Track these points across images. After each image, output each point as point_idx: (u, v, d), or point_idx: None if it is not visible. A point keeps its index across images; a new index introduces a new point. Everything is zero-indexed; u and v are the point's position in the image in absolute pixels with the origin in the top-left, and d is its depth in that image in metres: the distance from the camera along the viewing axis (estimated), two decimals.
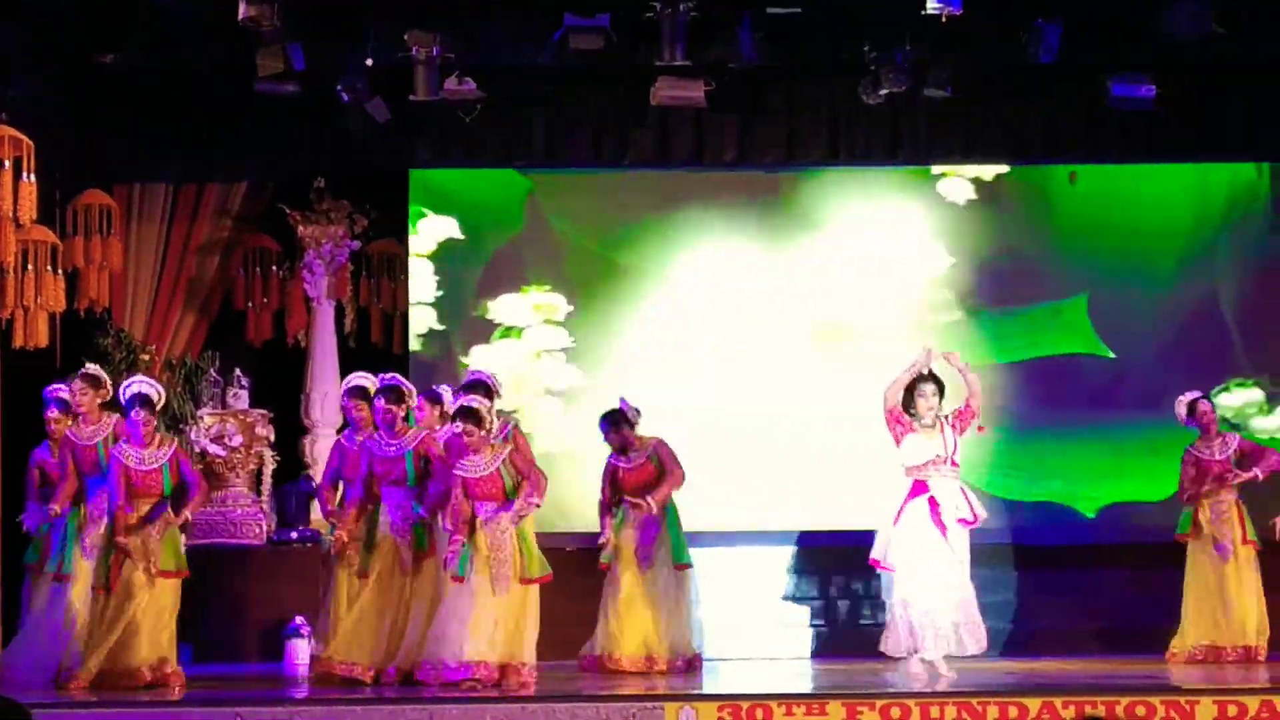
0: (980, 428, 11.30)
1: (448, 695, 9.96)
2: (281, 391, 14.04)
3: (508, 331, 14.17)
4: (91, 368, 11.86)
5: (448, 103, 13.03)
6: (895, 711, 9.54)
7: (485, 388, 11.39)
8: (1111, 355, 14.22)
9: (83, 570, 11.21)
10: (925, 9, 11.99)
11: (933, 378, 11.05)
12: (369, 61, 12.79)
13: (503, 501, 10.66)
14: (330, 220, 14.40)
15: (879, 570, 11.27)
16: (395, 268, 14.61)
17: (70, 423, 11.48)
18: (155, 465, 10.81)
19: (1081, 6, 12.72)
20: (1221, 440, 12.62)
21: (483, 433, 10.69)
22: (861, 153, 13.94)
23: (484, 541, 10.60)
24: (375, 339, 14.64)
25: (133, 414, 10.83)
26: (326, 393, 13.98)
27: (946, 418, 11.00)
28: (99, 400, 11.52)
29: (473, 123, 13.39)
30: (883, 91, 13.12)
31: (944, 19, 12.03)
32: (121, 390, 11.04)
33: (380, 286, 14.69)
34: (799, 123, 13.84)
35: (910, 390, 11.01)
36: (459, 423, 10.74)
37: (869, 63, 13.02)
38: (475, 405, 10.73)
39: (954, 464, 10.96)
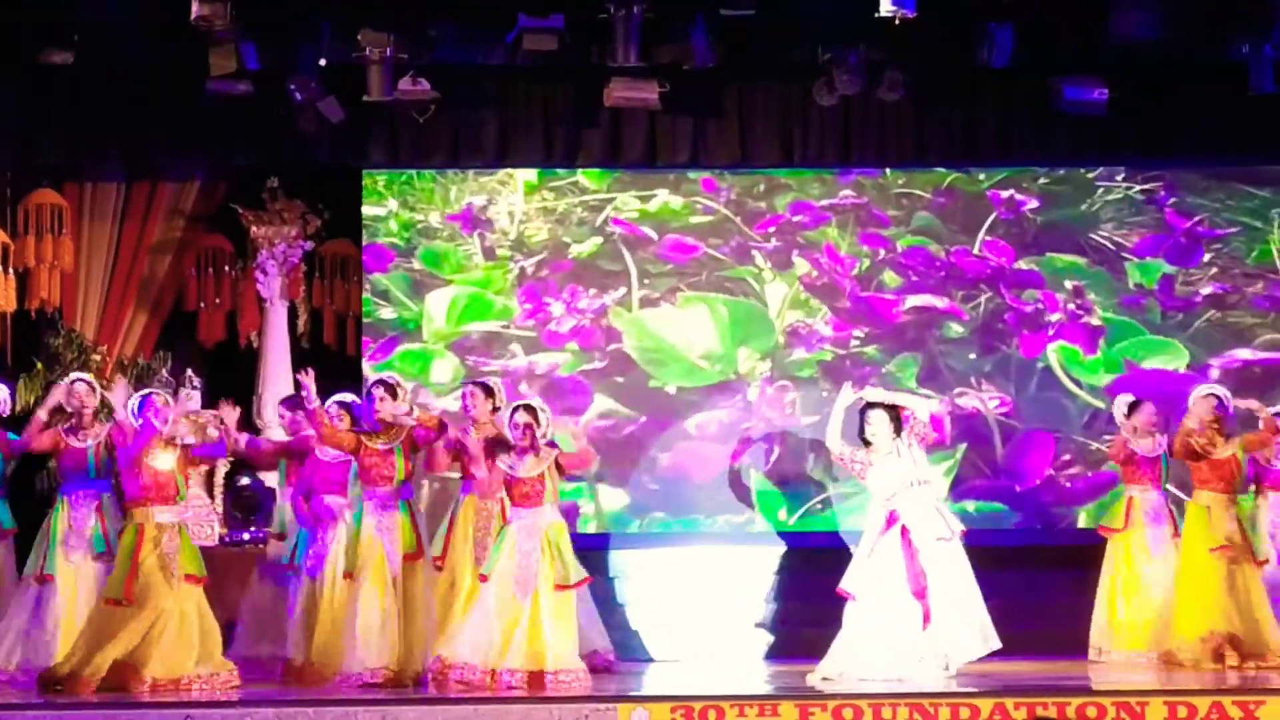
0: (934, 436, 11.25)
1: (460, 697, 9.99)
2: (234, 392, 13.95)
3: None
4: (88, 375, 11.98)
5: (401, 103, 13.03)
6: (848, 713, 9.56)
7: (487, 389, 11.49)
8: None
9: (65, 572, 11.25)
10: (878, 12, 12.04)
11: (876, 405, 10.99)
12: (322, 61, 12.78)
13: (540, 506, 10.69)
14: (283, 220, 14.36)
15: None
16: (349, 268, 14.57)
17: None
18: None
19: (1033, 10, 12.76)
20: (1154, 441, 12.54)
21: (540, 433, 10.71)
22: (814, 155, 13.98)
23: (513, 544, 10.64)
24: (328, 340, 14.60)
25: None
26: (279, 393, 13.91)
27: (902, 439, 10.92)
28: (94, 406, 11.59)
29: (426, 123, 13.38)
30: (837, 94, 13.16)
31: (897, 22, 12.08)
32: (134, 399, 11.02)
33: (334, 287, 14.65)
34: (752, 125, 13.86)
35: (861, 425, 10.98)
36: (518, 417, 10.76)
37: (822, 65, 13.06)
38: (535, 404, 10.85)
39: (924, 482, 10.91)
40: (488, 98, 13.67)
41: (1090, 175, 14.53)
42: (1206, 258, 14.50)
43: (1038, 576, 13.60)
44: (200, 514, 13.29)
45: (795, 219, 14.59)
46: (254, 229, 14.34)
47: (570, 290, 14.43)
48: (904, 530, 10.73)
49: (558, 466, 10.79)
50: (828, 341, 14.48)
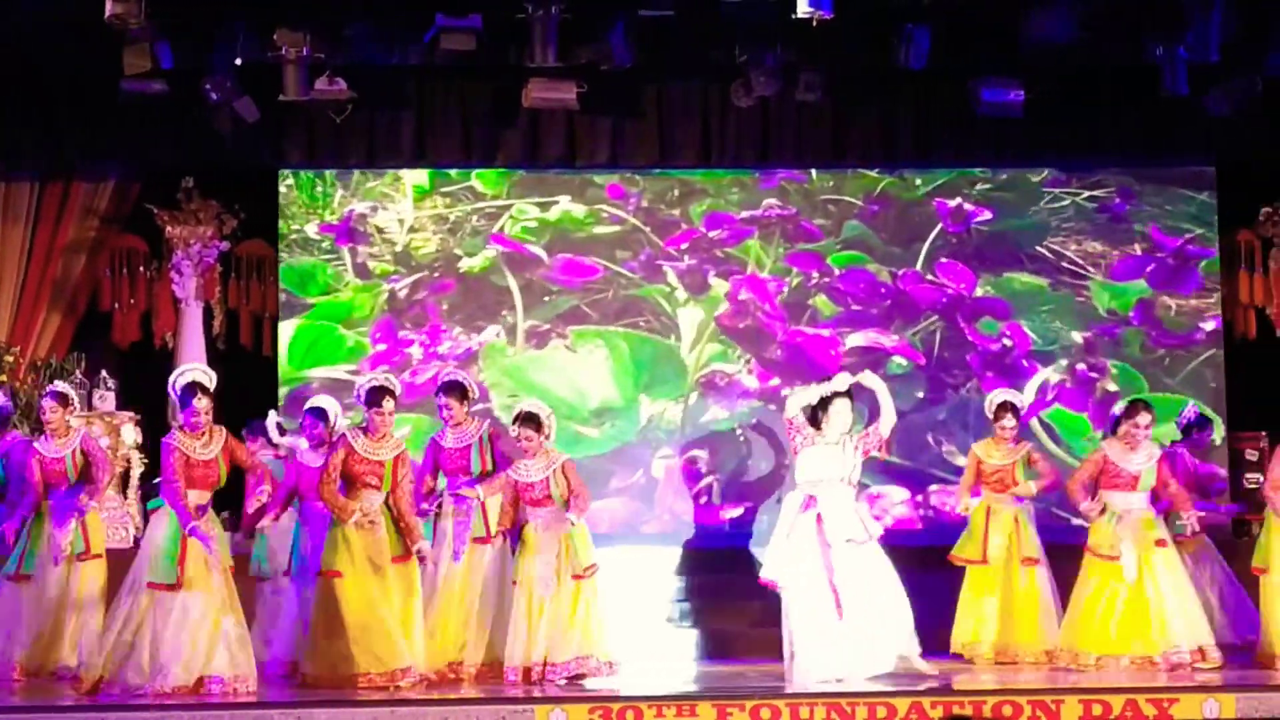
0: (884, 454, 11.25)
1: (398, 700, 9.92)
2: (148, 393, 13.87)
3: None
4: (60, 385, 11.93)
5: (318, 102, 12.98)
6: (765, 712, 9.55)
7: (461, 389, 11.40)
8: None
9: (50, 573, 11.35)
10: (796, 13, 12.04)
11: (849, 395, 10.83)
12: (238, 60, 12.70)
13: (553, 506, 10.85)
14: (199, 220, 14.26)
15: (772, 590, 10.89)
16: (264, 269, 14.49)
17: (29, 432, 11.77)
18: (211, 455, 10.50)
19: (951, 12, 12.81)
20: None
21: (541, 438, 10.89)
22: (733, 155, 14.01)
23: (535, 545, 10.80)
24: (244, 341, 14.51)
25: (192, 403, 10.49)
26: None
27: (850, 437, 10.82)
28: (68, 415, 11.60)
29: (343, 123, 13.33)
30: (754, 95, 13.18)
31: (815, 23, 12.08)
32: (172, 382, 10.72)
33: (249, 288, 14.55)
34: (670, 125, 13.89)
35: (824, 405, 10.80)
36: (516, 427, 10.95)
37: (740, 66, 13.07)
38: (536, 410, 10.98)
39: (851, 484, 10.81)
40: (405, 98, 13.65)
41: (1035, 179, 14.53)
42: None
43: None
44: (114, 515, 13.18)
45: (713, 234, 14.42)
46: (169, 229, 14.25)
47: (431, 330, 14.04)
48: (819, 518, 10.68)
49: (565, 475, 10.92)
50: (752, 395, 14.21)
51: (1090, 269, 14.52)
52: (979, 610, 11.93)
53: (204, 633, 10.17)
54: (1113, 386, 14.37)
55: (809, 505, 10.73)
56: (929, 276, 14.43)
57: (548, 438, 10.97)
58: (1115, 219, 14.54)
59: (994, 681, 10.89)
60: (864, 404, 11.15)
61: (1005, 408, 12.06)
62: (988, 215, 14.47)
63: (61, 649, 11.36)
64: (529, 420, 10.93)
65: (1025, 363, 14.41)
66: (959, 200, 14.49)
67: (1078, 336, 14.41)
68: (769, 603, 11.04)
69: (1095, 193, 14.57)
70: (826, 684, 10.24)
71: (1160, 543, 11.31)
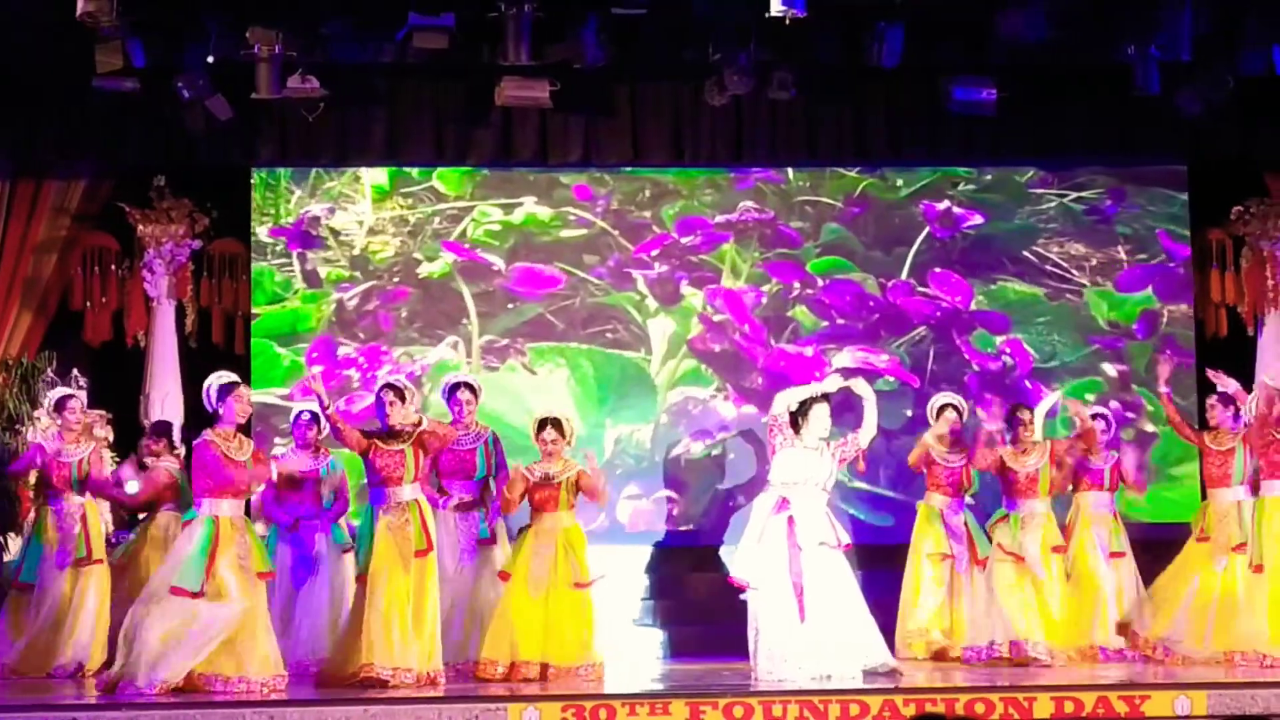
0: (862, 466, 11.30)
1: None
2: (120, 392, 13.84)
3: None
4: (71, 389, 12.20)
5: (290, 101, 12.95)
6: (738, 710, 9.57)
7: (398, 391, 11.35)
8: None
9: (53, 580, 11.62)
10: (769, 12, 12.05)
11: (826, 400, 10.87)
12: (210, 58, 12.66)
13: (557, 511, 11.10)
14: (171, 219, 14.21)
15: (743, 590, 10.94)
16: (237, 267, 14.45)
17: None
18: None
19: (923, 10, 12.82)
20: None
21: (564, 442, 11.18)
22: (706, 154, 14.00)
23: (532, 547, 11.04)
24: (216, 340, 14.45)
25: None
26: (167, 393, 13.81)
27: (828, 443, 10.86)
28: (88, 421, 11.91)
29: (315, 121, 13.30)
30: (727, 93, 13.19)
31: (787, 21, 12.09)
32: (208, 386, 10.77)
33: (221, 286, 14.50)
34: (643, 124, 13.87)
35: (804, 409, 10.85)
36: (549, 429, 11.18)
37: (713, 64, 13.07)
38: (559, 415, 11.29)
39: (825, 490, 10.86)
40: (378, 96, 13.62)
41: (1020, 179, 14.49)
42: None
43: None
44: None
45: (685, 240, 14.30)
46: (141, 228, 14.19)
47: (369, 351, 13.80)
48: (790, 521, 10.71)
49: (577, 484, 11.18)
50: (730, 424, 14.04)
51: (1091, 277, 14.42)
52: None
53: (223, 639, 10.17)
54: (1150, 427, 14.19)
55: (782, 507, 10.75)
56: (919, 287, 14.27)
57: (569, 444, 11.22)
58: (1103, 220, 14.52)
59: (966, 680, 10.90)
60: (855, 412, 11.19)
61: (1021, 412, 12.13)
62: (978, 220, 14.37)
63: (59, 651, 11.56)
64: (554, 424, 11.21)
65: (1029, 384, 14.18)
66: (946, 204, 14.42)
67: (1079, 352, 14.19)
68: (735, 602, 11.05)
69: (1084, 194, 14.53)
70: (789, 683, 10.28)
71: (1058, 549, 11.78)
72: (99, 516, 11.94)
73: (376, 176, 14.24)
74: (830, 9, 12.49)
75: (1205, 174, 14.57)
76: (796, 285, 14.25)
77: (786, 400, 10.91)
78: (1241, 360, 14.32)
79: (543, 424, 11.27)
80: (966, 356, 14.22)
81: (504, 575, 11.10)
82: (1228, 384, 11.78)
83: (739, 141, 13.94)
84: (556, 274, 14.18)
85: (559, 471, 11.17)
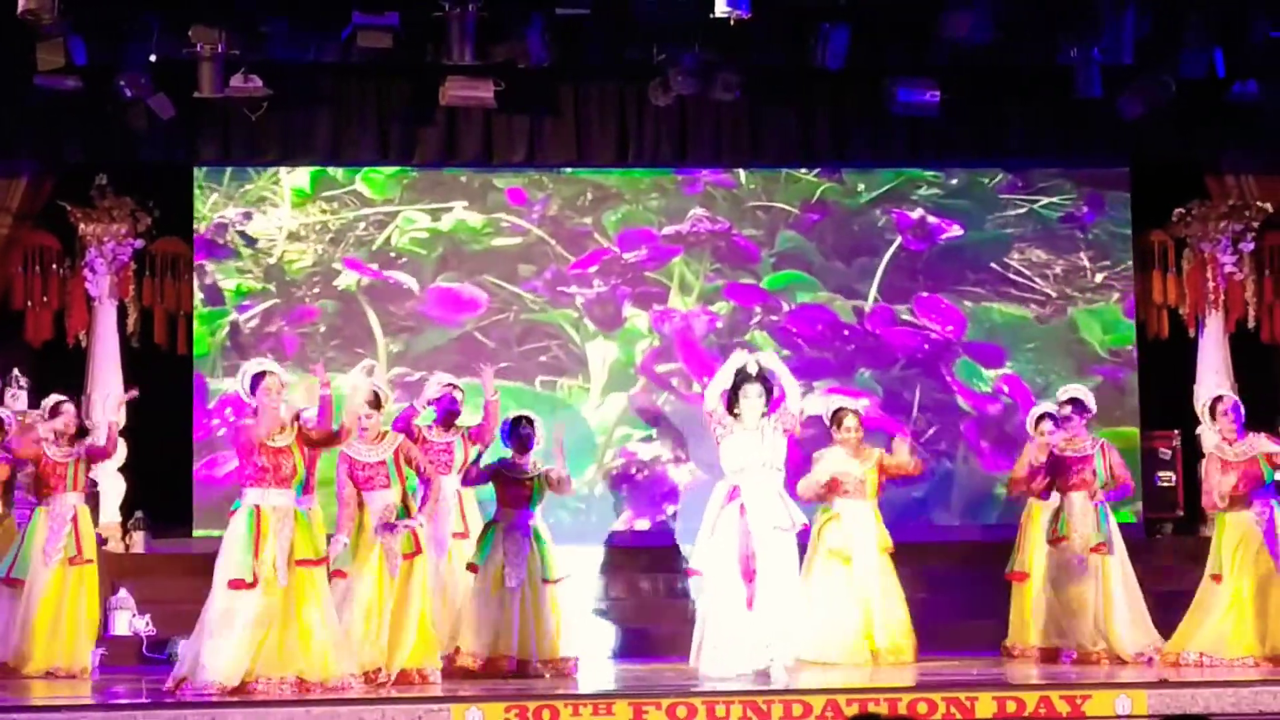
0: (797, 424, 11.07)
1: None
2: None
3: None
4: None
5: (233, 100, 12.90)
6: (681, 711, 9.55)
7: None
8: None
9: (40, 576, 11.66)
10: (714, 12, 12.07)
11: (759, 379, 10.87)
12: (152, 57, 12.61)
13: (527, 508, 11.16)
14: (113, 218, 14.12)
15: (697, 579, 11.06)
16: (179, 267, 14.38)
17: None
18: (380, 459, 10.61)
19: (868, 12, 12.86)
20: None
21: (536, 441, 11.24)
22: (650, 154, 14.00)
23: (502, 542, 11.10)
24: (159, 340, 14.39)
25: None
26: (109, 394, 13.70)
27: (768, 420, 10.85)
28: (76, 425, 11.97)
29: (258, 120, 13.25)
30: (672, 93, 13.19)
31: (732, 22, 12.12)
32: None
33: (164, 286, 14.42)
34: (588, 123, 13.88)
35: (735, 391, 10.88)
36: (522, 427, 11.21)
37: (658, 65, 13.08)
38: (532, 415, 11.34)
39: (776, 469, 10.83)
40: (321, 95, 13.60)
41: (988, 182, 14.41)
42: None
43: None
44: (24, 515, 13.06)
45: (629, 256, 14.02)
46: (83, 227, 14.11)
47: (234, 403, 12.88)
48: (742, 509, 10.74)
49: (546, 479, 11.24)
50: (677, 498, 13.69)
51: (1073, 292, 14.35)
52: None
53: (259, 633, 10.00)
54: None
55: (733, 496, 10.79)
56: (897, 309, 13.85)
57: (539, 443, 11.28)
58: (1079, 228, 14.49)
59: (911, 678, 10.93)
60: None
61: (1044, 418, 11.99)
62: (957, 231, 14.16)
63: (52, 651, 11.62)
64: (529, 421, 11.25)
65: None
66: (920, 213, 14.21)
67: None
68: (687, 601, 11.06)
69: (1054, 199, 14.45)
70: (728, 681, 10.28)
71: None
72: (89, 517, 11.97)
73: (298, 179, 14.07)
74: (775, 10, 12.52)
75: (1147, 176, 14.64)
76: (758, 310, 13.83)
77: (715, 390, 10.93)
78: (1182, 361, 14.42)
79: (516, 421, 11.29)
80: (957, 391, 13.79)
81: (472, 567, 11.16)
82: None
83: (683, 141, 13.96)
84: (477, 296, 13.83)
85: (531, 468, 11.22)
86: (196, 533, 13.73)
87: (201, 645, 9.91)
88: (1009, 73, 13.65)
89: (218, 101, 12.83)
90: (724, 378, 10.98)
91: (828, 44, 12.83)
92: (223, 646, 9.86)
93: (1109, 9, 12.64)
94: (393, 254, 14.10)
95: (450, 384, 11.84)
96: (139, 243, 14.23)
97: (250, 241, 14.10)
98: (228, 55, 12.53)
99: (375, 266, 13.99)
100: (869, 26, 12.98)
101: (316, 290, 14.08)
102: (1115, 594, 11.70)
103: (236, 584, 9.95)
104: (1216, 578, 11.28)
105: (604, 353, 13.89)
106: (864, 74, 13.41)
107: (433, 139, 13.73)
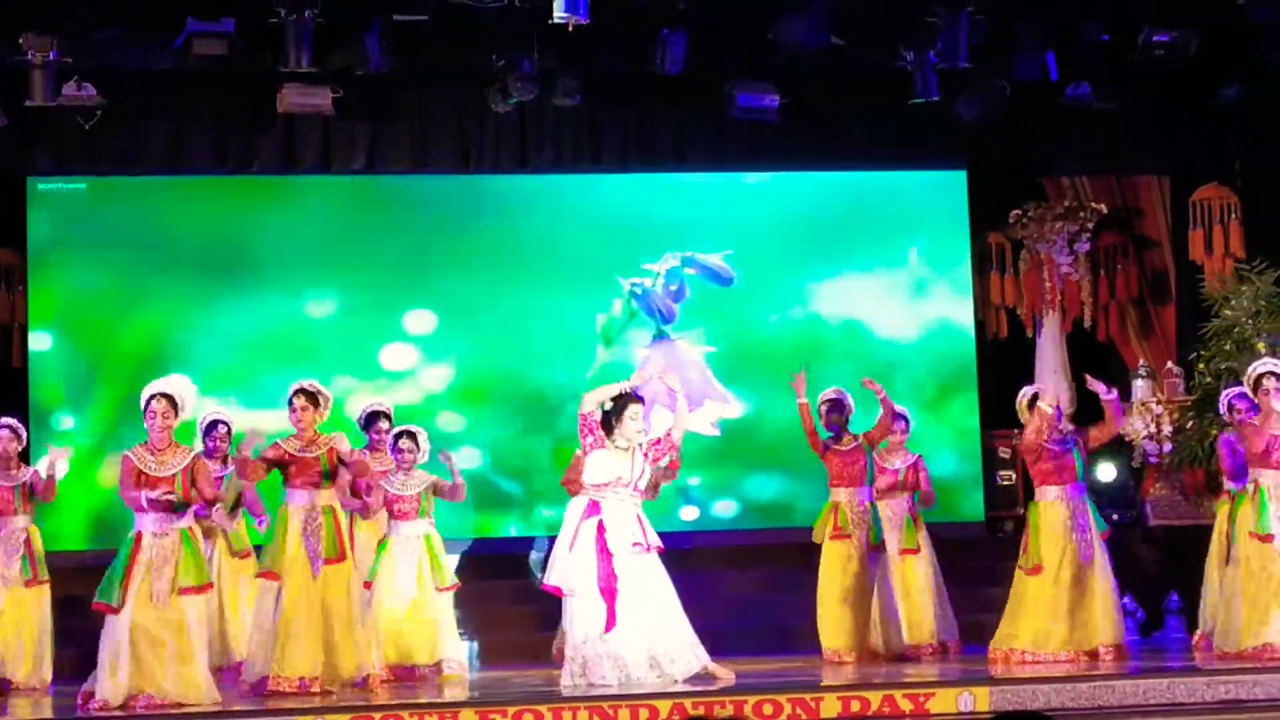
0: (672, 464, 10.73)
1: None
2: None
3: None
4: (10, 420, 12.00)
5: (66, 108, 12.72)
6: (528, 717, 9.53)
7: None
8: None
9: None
10: (552, 18, 12.04)
11: (638, 401, 10.48)
12: None
13: (415, 520, 11.46)
14: None
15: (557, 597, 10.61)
16: (14, 278, 14.14)
17: None
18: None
19: (706, 17, 12.91)
20: None
21: (420, 453, 11.50)
22: (491, 161, 13.98)
23: (393, 554, 11.42)
24: None
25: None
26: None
27: (642, 445, 10.52)
28: (18, 449, 11.88)
29: (92, 129, 13.08)
30: (511, 100, 13.18)
31: (571, 28, 12.10)
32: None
33: None
34: (428, 130, 13.85)
35: (618, 409, 10.46)
36: (403, 441, 11.48)
37: (497, 71, 13.06)
38: (414, 429, 11.54)
39: (637, 490, 10.49)
40: (157, 104, 13.47)
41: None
42: None
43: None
44: None
45: None
46: None
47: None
48: (600, 526, 10.46)
49: (435, 489, 11.52)
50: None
51: None
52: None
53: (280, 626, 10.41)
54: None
55: (591, 512, 10.49)
56: None
57: (424, 454, 11.48)
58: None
59: (755, 681, 10.96)
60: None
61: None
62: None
63: (11, 668, 11.60)
64: (409, 435, 11.47)
65: None
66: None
67: None
68: (543, 609, 11.00)
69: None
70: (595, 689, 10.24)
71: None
72: (39, 538, 11.91)
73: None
74: (614, 16, 12.51)
75: (983, 178, 14.81)
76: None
77: (598, 398, 10.49)
78: (1020, 362, 14.61)
79: (399, 436, 11.51)
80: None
81: (367, 585, 11.22)
82: (1096, 386, 11.52)
83: (524, 148, 13.96)
84: None
85: (416, 484, 11.47)
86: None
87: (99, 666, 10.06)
88: (847, 77, 13.77)
89: (51, 110, 12.65)
90: (613, 389, 10.46)
91: (667, 49, 12.88)
92: (105, 667, 9.96)
93: (944, 13, 12.78)
94: None
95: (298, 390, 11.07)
96: None
97: None
98: (60, 63, 12.36)
99: None
100: (708, 32, 13.02)
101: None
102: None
103: (269, 575, 10.58)
104: (1036, 569, 11.41)
105: None
106: (703, 79, 13.46)
107: (271, 147, 13.63)
